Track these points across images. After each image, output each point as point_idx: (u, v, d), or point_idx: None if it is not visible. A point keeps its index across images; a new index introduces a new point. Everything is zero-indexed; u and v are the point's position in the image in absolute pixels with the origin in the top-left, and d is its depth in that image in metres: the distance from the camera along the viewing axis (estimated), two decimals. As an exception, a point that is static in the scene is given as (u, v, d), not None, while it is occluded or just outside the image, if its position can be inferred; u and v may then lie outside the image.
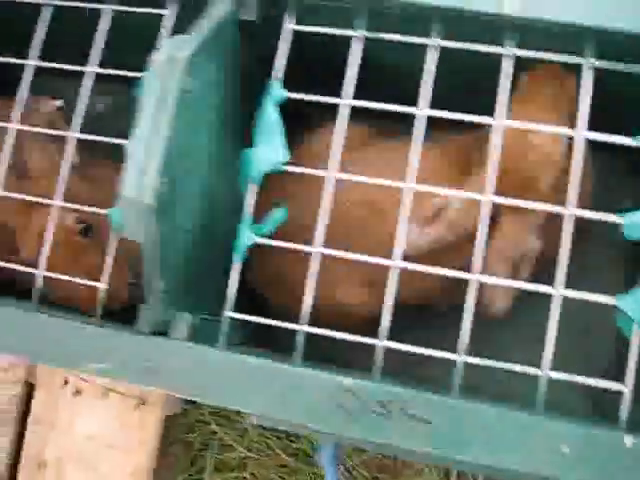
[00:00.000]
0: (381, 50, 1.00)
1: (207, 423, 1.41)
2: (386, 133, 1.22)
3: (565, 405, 1.21)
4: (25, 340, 0.98)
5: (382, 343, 0.91)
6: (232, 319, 0.95)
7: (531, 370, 0.88)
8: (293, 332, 0.94)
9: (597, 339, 1.30)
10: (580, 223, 0.89)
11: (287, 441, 1.38)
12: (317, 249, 0.93)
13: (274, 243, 0.95)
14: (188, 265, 0.99)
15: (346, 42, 0.97)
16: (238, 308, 0.97)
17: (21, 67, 1.09)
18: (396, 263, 0.91)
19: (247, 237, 0.95)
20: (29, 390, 1.41)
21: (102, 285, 1.00)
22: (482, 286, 0.92)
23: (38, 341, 0.97)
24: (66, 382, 1.38)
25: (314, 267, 0.93)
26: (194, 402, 1.43)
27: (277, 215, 0.99)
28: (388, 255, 0.92)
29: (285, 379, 0.89)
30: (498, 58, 0.93)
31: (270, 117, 0.96)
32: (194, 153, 0.96)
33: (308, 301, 0.94)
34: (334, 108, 0.97)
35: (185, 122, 0.90)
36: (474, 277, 0.89)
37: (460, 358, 0.89)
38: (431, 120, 0.94)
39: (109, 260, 1.01)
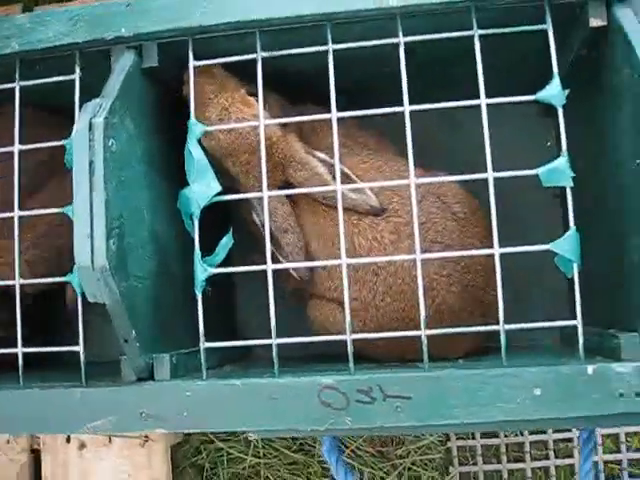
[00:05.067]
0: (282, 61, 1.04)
1: (211, 442, 1.46)
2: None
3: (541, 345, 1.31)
4: (21, 417, 1.02)
5: (351, 337, 0.97)
6: (207, 348, 1.00)
7: (490, 328, 0.94)
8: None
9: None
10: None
11: (291, 440, 1.44)
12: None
13: (229, 270, 1.00)
14: (155, 309, 1.03)
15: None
16: (214, 333, 1.02)
17: None
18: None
19: (202, 271, 0.99)
20: (36, 456, 1.45)
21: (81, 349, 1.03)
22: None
23: (34, 414, 1.01)
24: (69, 439, 1.42)
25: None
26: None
27: (224, 242, 1.04)
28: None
29: (269, 392, 0.95)
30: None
31: (196, 154, 1.01)
32: (134, 205, 1.00)
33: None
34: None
35: (118, 179, 0.95)
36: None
37: (424, 332, 0.95)
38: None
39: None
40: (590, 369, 0.90)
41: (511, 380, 0.91)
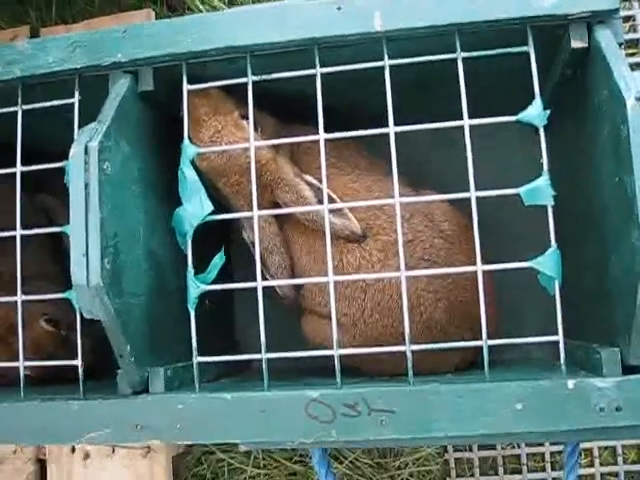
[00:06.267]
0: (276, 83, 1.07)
1: (213, 453, 1.49)
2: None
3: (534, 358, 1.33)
4: (24, 428, 1.06)
5: (338, 352, 0.99)
6: (200, 362, 1.03)
7: (472, 343, 0.97)
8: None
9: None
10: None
11: (290, 451, 1.47)
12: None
13: (222, 287, 1.03)
14: (150, 324, 1.07)
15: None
16: (213, 347, 1.05)
17: None
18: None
19: (194, 288, 1.03)
20: (41, 466, 1.49)
21: (79, 362, 1.07)
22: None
23: (34, 426, 1.05)
24: (73, 449, 1.45)
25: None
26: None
27: (217, 261, 1.08)
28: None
29: (258, 405, 0.98)
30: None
31: (188, 175, 1.04)
32: (129, 225, 1.04)
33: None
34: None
35: (113, 200, 0.99)
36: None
37: (409, 348, 0.97)
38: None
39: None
40: (571, 384, 0.92)
41: (493, 394, 0.93)
